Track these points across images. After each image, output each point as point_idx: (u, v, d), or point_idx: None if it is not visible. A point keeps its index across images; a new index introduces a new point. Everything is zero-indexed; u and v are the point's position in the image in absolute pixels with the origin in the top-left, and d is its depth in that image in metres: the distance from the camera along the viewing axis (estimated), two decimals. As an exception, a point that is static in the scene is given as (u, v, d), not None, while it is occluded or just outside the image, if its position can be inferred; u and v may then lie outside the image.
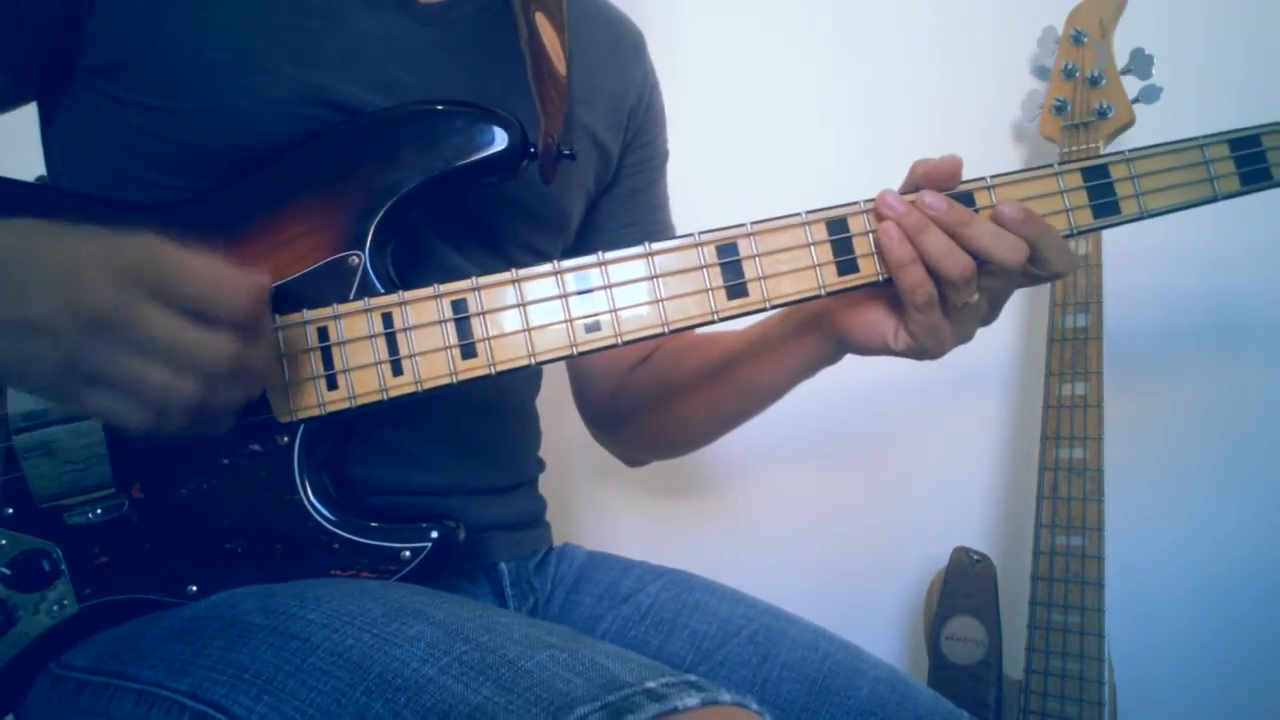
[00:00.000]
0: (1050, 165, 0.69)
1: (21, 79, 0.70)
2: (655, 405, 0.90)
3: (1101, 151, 1.13)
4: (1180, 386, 1.26)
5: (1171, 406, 1.27)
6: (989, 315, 0.70)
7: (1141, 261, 1.23)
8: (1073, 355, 1.13)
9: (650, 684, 0.48)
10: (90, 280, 0.50)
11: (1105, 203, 0.69)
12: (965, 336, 0.70)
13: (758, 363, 0.81)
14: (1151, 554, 1.26)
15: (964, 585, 1.19)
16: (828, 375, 0.79)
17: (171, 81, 0.66)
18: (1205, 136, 0.70)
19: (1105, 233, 1.12)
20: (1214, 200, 0.70)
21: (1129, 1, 1.14)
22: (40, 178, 0.76)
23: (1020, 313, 1.31)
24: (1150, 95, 1.12)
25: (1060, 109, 1.16)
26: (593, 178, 0.85)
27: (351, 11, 0.70)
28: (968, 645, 1.18)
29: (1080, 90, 1.16)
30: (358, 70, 0.69)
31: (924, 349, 0.69)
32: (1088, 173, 0.69)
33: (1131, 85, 1.13)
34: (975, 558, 1.19)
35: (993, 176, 0.68)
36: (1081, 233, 0.69)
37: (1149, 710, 1.25)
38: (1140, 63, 1.13)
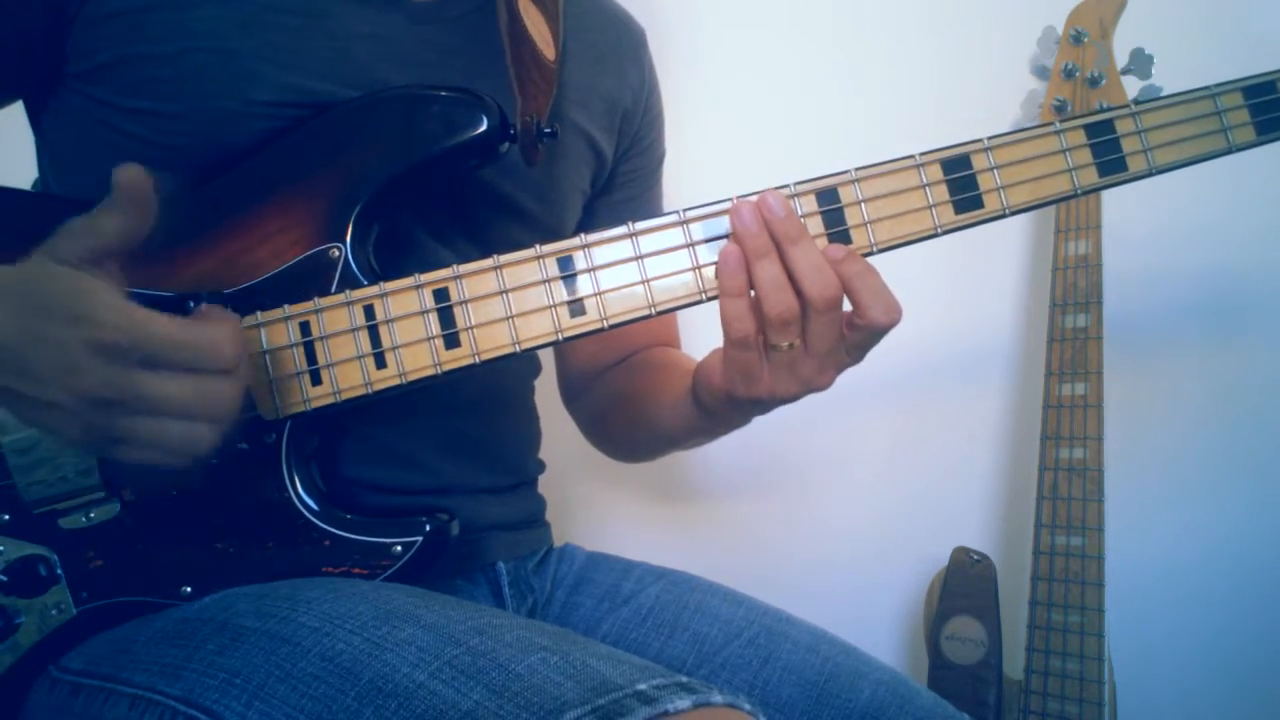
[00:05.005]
0: (1051, 124, 0.65)
1: (6, 84, 0.69)
2: (610, 411, 0.92)
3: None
4: (1180, 386, 1.26)
5: (1172, 407, 1.26)
6: (817, 373, 0.64)
7: (1142, 261, 1.22)
8: (1073, 355, 1.13)
9: (641, 686, 0.47)
10: (83, 365, 0.51)
11: (1111, 160, 0.65)
12: (789, 388, 0.64)
13: (663, 400, 0.80)
14: (1151, 554, 1.26)
15: (964, 585, 1.19)
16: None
17: (155, 85, 0.65)
18: (1218, 85, 0.66)
19: (1105, 233, 1.12)
20: (1228, 152, 0.66)
21: (1129, 1, 1.14)
22: (35, 181, 0.75)
23: (1020, 313, 1.31)
24: (1150, 95, 1.12)
25: (1060, 109, 1.16)
26: (588, 180, 0.85)
27: (340, 10, 0.69)
28: (968, 645, 1.18)
29: (1080, 90, 1.15)
30: (345, 71, 0.68)
31: (733, 386, 0.65)
32: (1091, 129, 0.65)
33: (1131, 85, 1.13)
34: (975, 558, 1.19)
35: (989, 138, 0.65)
36: (1087, 193, 0.66)
37: (1149, 710, 1.25)
38: (1140, 63, 1.12)
